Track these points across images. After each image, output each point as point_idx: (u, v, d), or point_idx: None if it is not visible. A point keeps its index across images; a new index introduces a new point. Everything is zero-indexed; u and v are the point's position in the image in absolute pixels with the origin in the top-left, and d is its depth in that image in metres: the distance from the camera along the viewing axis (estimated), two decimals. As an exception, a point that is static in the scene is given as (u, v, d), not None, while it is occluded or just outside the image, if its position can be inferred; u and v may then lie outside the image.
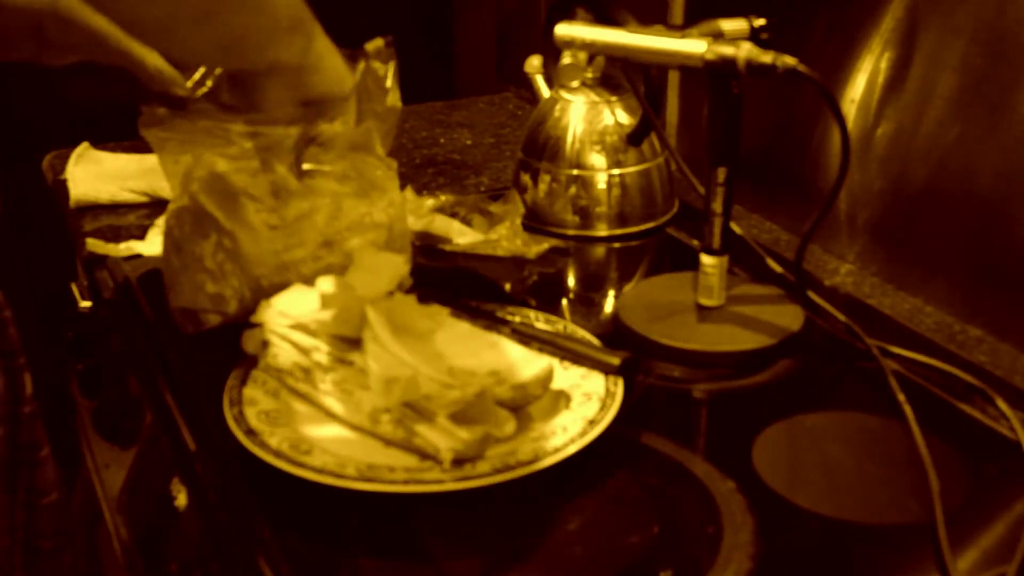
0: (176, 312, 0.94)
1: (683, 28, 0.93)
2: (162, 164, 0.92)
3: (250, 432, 0.78)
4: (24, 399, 0.96)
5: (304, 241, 0.91)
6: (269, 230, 0.90)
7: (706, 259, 0.96)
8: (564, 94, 1.19)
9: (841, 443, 0.84)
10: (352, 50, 0.95)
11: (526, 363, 0.81)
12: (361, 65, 0.92)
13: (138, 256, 1.12)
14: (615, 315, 1.02)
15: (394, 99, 0.97)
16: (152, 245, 1.12)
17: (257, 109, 0.88)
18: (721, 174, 0.92)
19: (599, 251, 1.17)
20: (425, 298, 0.85)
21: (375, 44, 0.95)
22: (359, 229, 0.92)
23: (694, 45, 0.89)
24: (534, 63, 1.26)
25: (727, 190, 0.93)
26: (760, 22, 0.94)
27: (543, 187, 1.18)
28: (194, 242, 0.91)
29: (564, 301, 1.09)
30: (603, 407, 0.80)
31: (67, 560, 1.02)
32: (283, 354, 0.84)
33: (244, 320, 0.87)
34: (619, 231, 1.18)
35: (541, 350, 0.86)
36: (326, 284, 0.86)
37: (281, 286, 0.89)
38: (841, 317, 0.96)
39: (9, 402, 0.94)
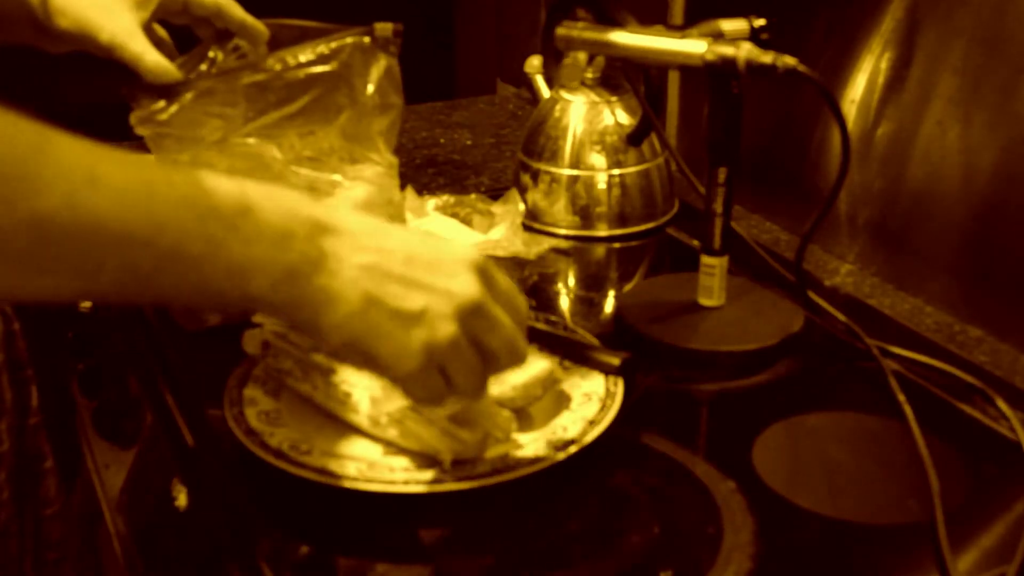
0: (177, 310, 0.94)
1: (683, 28, 0.93)
2: None
3: (250, 432, 0.78)
4: (30, 411, 0.96)
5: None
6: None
7: (706, 259, 0.96)
8: (564, 94, 1.19)
9: (841, 443, 0.83)
10: (362, 27, 0.94)
11: (526, 363, 0.81)
12: (382, 62, 0.92)
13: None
14: (615, 315, 1.02)
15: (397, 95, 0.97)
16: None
17: None
18: (721, 174, 0.92)
19: (599, 251, 1.17)
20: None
21: (384, 28, 0.95)
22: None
23: (694, 45, 0.89)
24: (534, 63, 1.26)
25: (727, 190, 0.93)
26: (760, 22, 0.94)
27: (543, 187, 1.18)
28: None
29: (564, 301, 1.09)
30: (603, 407, 0.80)
31: (68, 567, 1.02)
32: (283, 354, 0.84)
33: (245, 319, 0.87)
34: (619, 231, 1.18)
35: (541, 350, 0.86)
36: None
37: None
38: (841, 317, 0.96)
39: (17, 414, 0.94)
